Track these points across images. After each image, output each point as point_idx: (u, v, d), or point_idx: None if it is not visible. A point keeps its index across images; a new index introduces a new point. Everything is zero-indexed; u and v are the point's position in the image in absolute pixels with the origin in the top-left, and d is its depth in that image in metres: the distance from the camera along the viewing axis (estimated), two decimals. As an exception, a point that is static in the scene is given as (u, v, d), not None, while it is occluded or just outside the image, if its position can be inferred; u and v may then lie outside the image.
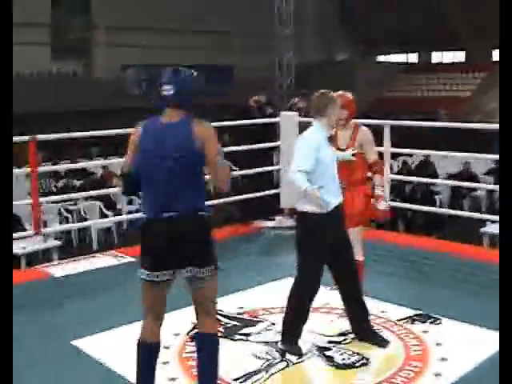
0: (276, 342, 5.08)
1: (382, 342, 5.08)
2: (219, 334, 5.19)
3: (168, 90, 3.90)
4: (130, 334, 5.29)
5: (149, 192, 3.96)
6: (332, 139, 5.51)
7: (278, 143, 9.31)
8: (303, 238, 4.95)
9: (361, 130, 5.83)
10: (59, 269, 7.20)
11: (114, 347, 5.11)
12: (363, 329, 5.15)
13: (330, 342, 5.12)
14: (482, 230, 10.72)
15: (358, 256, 5.74)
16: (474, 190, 14.86)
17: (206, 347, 4.13)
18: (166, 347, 5.02)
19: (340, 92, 5.72)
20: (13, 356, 3.45)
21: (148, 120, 4.02)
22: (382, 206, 5.78)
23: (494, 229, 10.63)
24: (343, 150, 5.64)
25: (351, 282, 5.13)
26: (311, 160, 4.75)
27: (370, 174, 5.91)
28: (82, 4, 32.97)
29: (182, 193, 3.89)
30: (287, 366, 4.74)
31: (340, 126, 5.69)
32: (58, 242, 10.36)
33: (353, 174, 5.72)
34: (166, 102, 3.93)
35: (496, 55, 41.86)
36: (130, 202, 13.98)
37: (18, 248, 9.21)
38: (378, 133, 8.31)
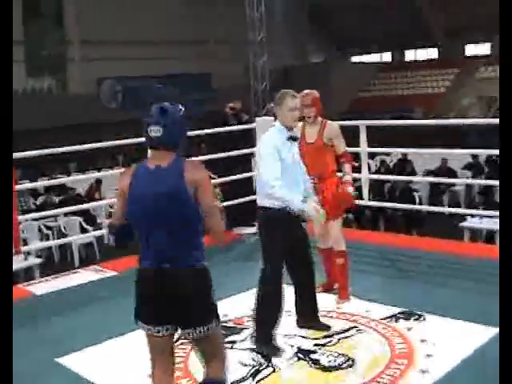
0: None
1: (323, 327, 5.36)
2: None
3: (155, 131, 3.64)
4: (114, 349, 5.29)
5: (141, 240, 3.69)
6: (301, 136, 5.73)
7: (255, 149, 9.30)
8: (266, 232, 5.08)
9: (328, 124, 5.99)
10: (41, 286, 7.16)
11: (98, 363, 5.08)
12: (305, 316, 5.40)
13: (315, 345, 5.12)
14: (462, 224, 10.78)
15: (341, 246, 6.06)
16: (453, 185, 14.94)
17: None
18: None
19: (306, 91, 5.97)
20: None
21: (136, 167, 3.75)
22: (350, 190, 5.93)
23: (473, 223, 10.71)
24: (312, 144, 5.86)
25: (305, 274, 5.30)
26: (277, 167, 4.88)
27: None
28: (55, 19, 32.83)
29: (179, 242, 3.66)
30: (274, 371, 4.74)
31: (308, 123, 5.94)
32: (38, 260, 10.32)
33: (324, 169, 5.88)
34: (153, 143, 3.68)
35: (469, 51, 42.14)
36: (110, 216, 13.91)
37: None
38: (355, 133, 8.39)
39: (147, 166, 3.69)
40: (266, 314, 5.07)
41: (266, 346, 5.04)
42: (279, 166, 4.88)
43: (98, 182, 15.43)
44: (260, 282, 5.12)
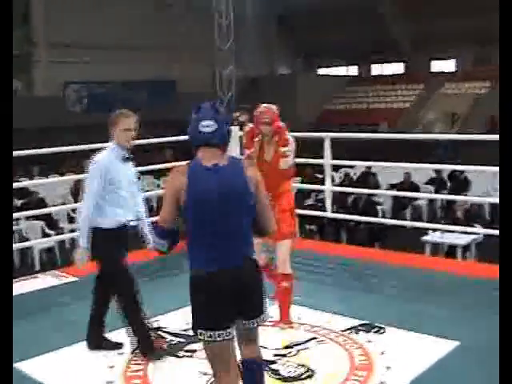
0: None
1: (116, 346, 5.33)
2: (163, 352, 5.20)
3: (209, 126, 3.60)
4: (73, 355, 5.25)
5: (204, 243, 3.61)
6: (259, 152, 5.73)
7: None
8: (99, 253, 5.12)
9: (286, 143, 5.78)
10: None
11: (57, 369, 5.03)
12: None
13: (275, 355, 5.12)
14: (424, 238, 10.87)
15: (288, 269, 5.77)
16: (415, 199, 15.06)
17: (257, 370, 3.90)
18: (111, 366, 4.98)
19: (264, 106, 5.77)
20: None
21: (188, 167, 3.61)
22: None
23: (435, 237, 10.81)
24: (269, 163, 5.67)
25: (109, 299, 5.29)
26: (98, 191, 4.97)
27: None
28: (20, 20, 32.53)
29: (243, 240, 3.66)
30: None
31: (266, 140, 5.76)
32: (-2, 263, 10.16)
33: (279, 187, 5.72)
34: (206, 139, 3.61)
35: (434, 67, 42.62)
36: (71, 221, 13.80)
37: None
38: (319, 145, 8.43)
39: (203, 164, 3.60)
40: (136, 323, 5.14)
41: (152, 354, 5.10)
42: (96, 193, 4.97)
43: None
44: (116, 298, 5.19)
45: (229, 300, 3.58)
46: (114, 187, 5.01)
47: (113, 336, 5.42)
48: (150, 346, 5.13)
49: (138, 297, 5.16)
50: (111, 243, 5.06)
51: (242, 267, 3.61)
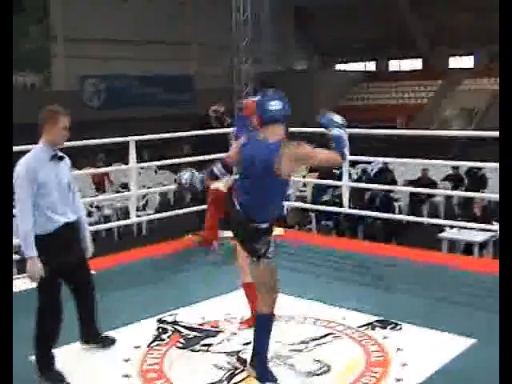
0: (237, 352, 5.08)
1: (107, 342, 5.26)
2: (180, 345, 5.21)
3: (276, 104, 4.46)
4: (88, 349, 5.26)
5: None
6: None
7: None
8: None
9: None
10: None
11: (73, 363, 5.03)
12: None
13: (291, 350, 5.12)
14: (441, 235, 10.83)
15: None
16: (433, 195, 15.00)
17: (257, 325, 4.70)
18: (126, 360, 4.99)
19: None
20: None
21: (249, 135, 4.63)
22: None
23: (452, 234, 10.76)
24: None
25: (86, 296, 5.12)
26: (30, 197, 4.60)
27: None
28: (39, 15, 32.67)
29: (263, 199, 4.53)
30: (248, 376, 4.73)
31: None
32: (16, 257, 10.20)
33: None
34: (274, 116, 4.45)
35: (452, 63, 42.43)
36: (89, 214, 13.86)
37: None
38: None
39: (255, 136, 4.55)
40: (45, 328, 4.84)
41: (47, 372, 4.79)
42: (29, 194, 4.59)
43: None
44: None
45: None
46: (44, 189, 4.67)
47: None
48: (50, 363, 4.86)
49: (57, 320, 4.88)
50: (42, 253, 4.67)
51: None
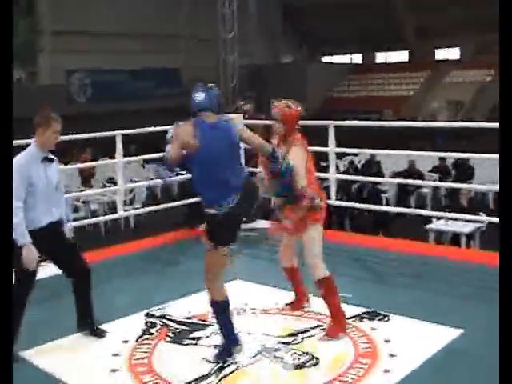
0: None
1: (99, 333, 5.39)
2: (168, 339, 5.22)
3: (200, 96, 4.80)
4: (77, 343, 5.27)
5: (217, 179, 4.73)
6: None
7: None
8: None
9: (292, 149, 5.31)
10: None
11: (61, 356, 5.04)
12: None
13: (279, 343, 5.13)
14: (428, 226, 10.87)
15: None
16: (420, 187, 15.05)
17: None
18: (115, 354, 4.99)
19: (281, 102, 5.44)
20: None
21: (191, 121, 4.76)
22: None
23: (439, 225, 10.80)
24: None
25: (83, 287, 5.34)
26: (22, 193, 4.87)
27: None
28: (26, 8, 32.46)
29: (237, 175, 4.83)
30: (237, 368, 4.74)
31: (281, 140, 5.39)
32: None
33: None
34: (198, 106, 4.79)
35: (438, 55, 42.50)
36: (75, 210, 13.83)
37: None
38: (324, 133, 8.43)
39: (204, 120, 4.76)
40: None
41: None
42: (23, 192, 4.89)
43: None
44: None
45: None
46: (33, 190, 4.94)
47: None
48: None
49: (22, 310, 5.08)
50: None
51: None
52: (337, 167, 9.47)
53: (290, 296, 5.98)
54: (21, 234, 4.84)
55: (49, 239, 5.09)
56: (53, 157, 5.17)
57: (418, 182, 12.76)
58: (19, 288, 5.01)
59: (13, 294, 4.83)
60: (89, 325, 5.40)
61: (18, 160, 4.93)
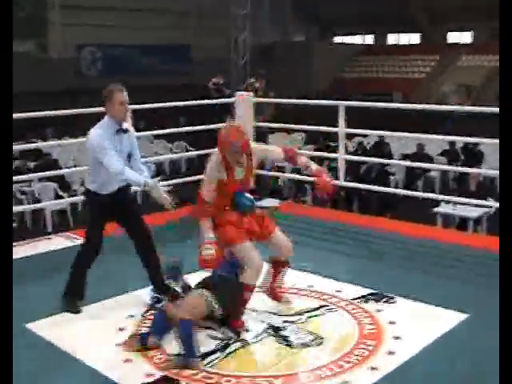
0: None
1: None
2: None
3: None
4: (83, 317, 5.30)
5: None
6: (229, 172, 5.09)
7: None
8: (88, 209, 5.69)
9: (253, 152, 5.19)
10: (13, 251, 7.11)
11: (67, 330, 5.08)
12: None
13: (285, 322, 5.15)
14: (436, 209, 10.85)
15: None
16: (428, 170, 15.01)
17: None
18: (121, 329, 5.02)
19: (234, 128, 5.20)
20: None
21: None
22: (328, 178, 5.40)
23: (447, 209, 10.78)
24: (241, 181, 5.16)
25: (146, 248, 5.66)
26: (113, 152, 5.24)
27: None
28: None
29: None
30: (242, 346, 4.76)
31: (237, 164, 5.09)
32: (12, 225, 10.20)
33: None
34: None
35: (451, 38, 42.24)
36: (83, 183, 13.83)
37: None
38: (334, 113, 8.40)
39: None
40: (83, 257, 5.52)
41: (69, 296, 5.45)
42: (111, 148, 5.23)
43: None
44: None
45: None
46: None
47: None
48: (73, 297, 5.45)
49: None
50: (97, 208, 5.48)
51: None
52: (345, 148, 9.44)
53: (296, 274, 6.00)
54: (136, 177, 5.26)
55: (118, 203, 5.47)
56: (126, 128, 5.42)
57: (427, 165, 12.72)
58: (88, 246, 5.47)
59: (81, 252, 5.45)
60: (162, 282, 5.40)
61: (95, 131, 5.30)
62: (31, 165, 14.83)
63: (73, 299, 5.42)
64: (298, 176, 10.37)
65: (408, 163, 12.51)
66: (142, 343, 4.66)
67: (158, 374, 4.35)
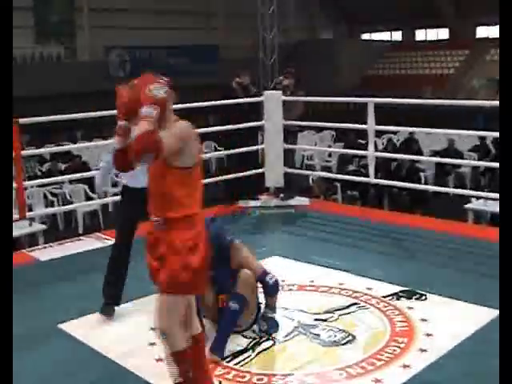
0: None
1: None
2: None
3: None
4: (116, 316, 5.33)
5: None
6: None
7: (263, 122, 9.29)
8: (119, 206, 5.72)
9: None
10: (45, 253, 7.19)
11: (100, 329, 5.12)
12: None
13: (316, 320, 5.14)
14: (467, 206, 10.77)
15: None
16: (459, 166, 14.90)
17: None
18: (153, 328, 5.04)
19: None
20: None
21: None
22: None
23: (478, 205, 10.69)
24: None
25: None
26: None
27: None
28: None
29: None
30: (273, 344, 4.76)
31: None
32: (43, 226, 10.30)
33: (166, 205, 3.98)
34: None
35: (479, 33, 41.88)
36: (114, 185, 13.92)
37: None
38: (363, 110, 8.37)
39: None
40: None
41: (105, 306, 5.36)
42: None
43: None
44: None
45: None
46: None
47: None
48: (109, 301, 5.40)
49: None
50: (127, 203, 5.51)
51: None
52: (375, 145, 9.40)
53: (326, 272, 5.99)
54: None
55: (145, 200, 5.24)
56: None
57: (458, 161, 12.63)
58: (120, 246, 5.43)
59: (115, 253, 5.42)
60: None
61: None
62: (62, 167, 14.96)
63: (108, 304, 5.39)
64: (327, 174, 10.34)
65: (438, 159, 12.44)
66: None
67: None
